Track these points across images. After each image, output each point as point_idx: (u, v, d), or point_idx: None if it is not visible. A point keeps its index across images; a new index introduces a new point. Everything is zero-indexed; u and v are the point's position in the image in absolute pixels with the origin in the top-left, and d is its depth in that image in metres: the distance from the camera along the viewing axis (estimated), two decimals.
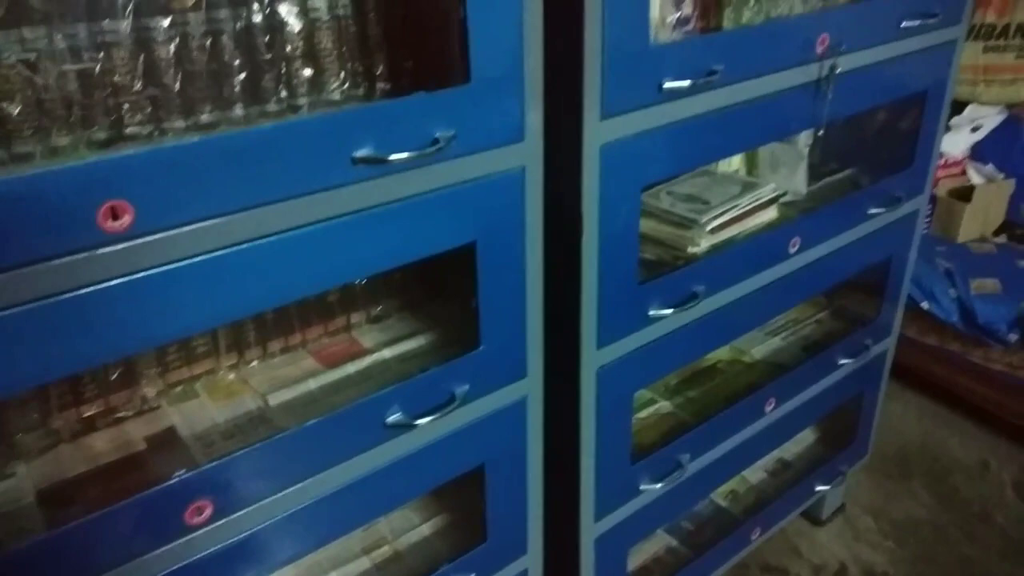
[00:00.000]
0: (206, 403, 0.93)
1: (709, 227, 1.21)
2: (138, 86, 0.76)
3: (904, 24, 1.22)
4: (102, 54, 0.74)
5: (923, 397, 2.16)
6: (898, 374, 2.05)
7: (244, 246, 0.73)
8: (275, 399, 0.92)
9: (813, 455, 1.75)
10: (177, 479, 0.77)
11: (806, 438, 1.77)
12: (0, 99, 0.70)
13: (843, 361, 1.53)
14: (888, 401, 2.03)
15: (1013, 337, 1.88)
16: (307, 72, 0.85)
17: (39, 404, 0.85)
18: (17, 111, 0.71)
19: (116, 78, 0.75)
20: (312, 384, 0.94)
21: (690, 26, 1.15)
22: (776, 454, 1.72)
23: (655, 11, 1.10)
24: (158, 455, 0.83)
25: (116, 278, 0.67)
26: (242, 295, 0.76)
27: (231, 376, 0.97)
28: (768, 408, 1.42)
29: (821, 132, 1.19)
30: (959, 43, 1.37)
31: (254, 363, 0.98)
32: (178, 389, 0.94)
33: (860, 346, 1.55)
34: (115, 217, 0.65)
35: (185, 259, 0.70)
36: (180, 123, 0.80)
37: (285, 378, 0.96)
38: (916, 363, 2.11)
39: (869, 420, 1.75)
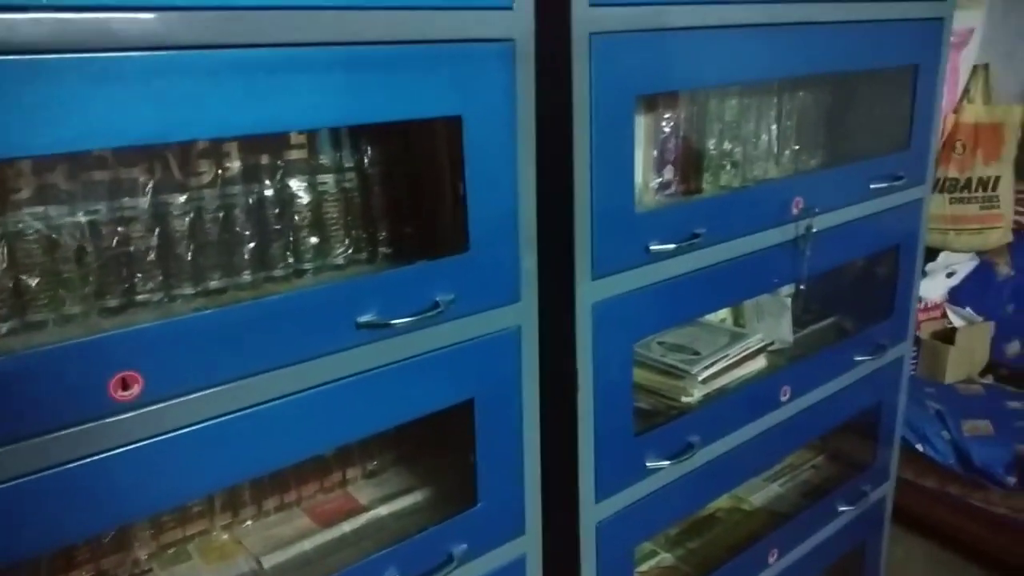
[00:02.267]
0: (199, 566, 0.91)
1: (701, 377, 1.23)
2: (152, 256, 0.81)
3: (873, 186, 1.31)
4: (120, 228, 0.78)
5: (927, 542, 2.11)
6: (899, 518, 2.01)
7: (249, 411, 0.75)
8: (269, 561, 0.91)
9: None
10: None
11: None
12: (20, 272, 0.74)
13: (843, 508, 1.51)
14: (893, 546, 1.98)
15: (1011, 480, 1.87)
16: (313, 240, 0.90)
17: (28, 570, 0.83)
18: (35, 283, 0.75)
19: (131, 249, 0.79)
20: (307, 545, 0.93)
21: (671, 190, 1.23)
22: None
23: (638, 176, 1.18)
24: None
25: (122, 446, 0.68)
26: (246, 458, 0.77)
27: (225, 536, 0.95)
28: (771, 559, 1.39)
29: (802, 287, 1.24)
30: (925, 201, 1.46)
31: (248, 522, 0.97)
32: (171, 551, 0.92)
33: (859, 492, 1.54)
34: (125, 387, 0.67)
35: (191, 425, 0.72)
36: (189, 290, 0.83)
37: (279, 538, 0.94)
38: (916, 506, 2.08)
39: (875, 570, 1.70)
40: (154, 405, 0.69)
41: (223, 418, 0.74)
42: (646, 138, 1.20)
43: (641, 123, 1.18)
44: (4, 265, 0.72)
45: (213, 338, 0.72)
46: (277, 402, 0.76)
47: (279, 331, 0.75)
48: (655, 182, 1.22)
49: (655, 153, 1.21)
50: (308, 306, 0.76)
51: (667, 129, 1.22)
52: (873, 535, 1.65)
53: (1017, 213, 2.35)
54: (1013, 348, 2.26)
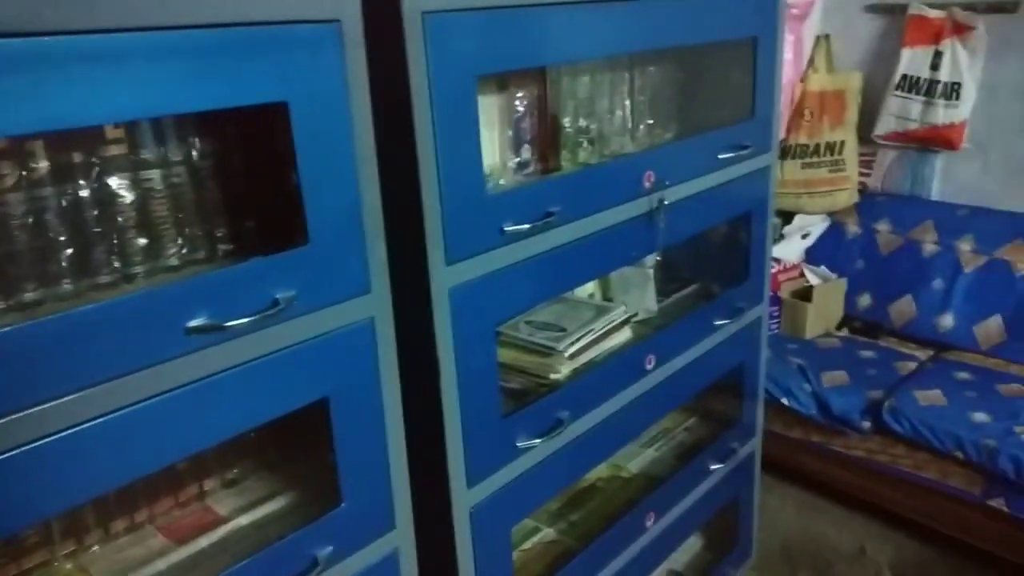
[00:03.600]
0: None
1: (568, 353, 1.25)
2: None
3: (721, 156, 1.36)
4: None
5: (797, 489, 2.24)
6: (771, 469, 2.13)
7: (74, 430, 0.69)
8: None
9: (701, 562, 1.77)
10: None
11: (693, 545, 1.79)
12: None
13: (714, 466, 1.58)
14: (766, 496, 2.09)
15: (866, 424, 2.01)
16: (141, 241, 0.84)
17: None
18: None
19: None
20: (160, 565, 0.88)
21: (530, 168, 1.23)
22: (666, 565, 1.72)
23: (496, 157, 1.18)
24: None
25: None
26: (74, 483, 0.71)
27: (68, 565, 0.88)
28: (649, 523, 1.44)
29: (659, 257, 1.28)
30: (772, 168, 1.53)
31: (95, 548, 0.90)
32: None
33: (728, 449, 1.61)
34: None
35: (6, 451, 0.66)
36: None
37: (130, 561, 0.89)
38: (786, 457, 2.20)
39: (748, 521, 1.79)
40: None
41: (46, 439, 0.68)
42: (500, 118, 1.19)
43: (494, 103, 1.17)
44: None
45: (22, 355, 0.66)
46: (106, 418, 0.71)
47: (96, 344, 0.69)
48: (513, 162, 1.22)
49: (510, 133, 1.21)
50: (127, 314, 0.70)
51: (521, 108, 1.21)
52: (745, 488, 1.74)
53: (861, 175, 2.52)
54: (864, 301, 2.43)
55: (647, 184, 1.22)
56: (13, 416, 0.66)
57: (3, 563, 0.84)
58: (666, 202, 1.24)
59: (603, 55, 1.24)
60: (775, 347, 2.23)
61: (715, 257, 1.61)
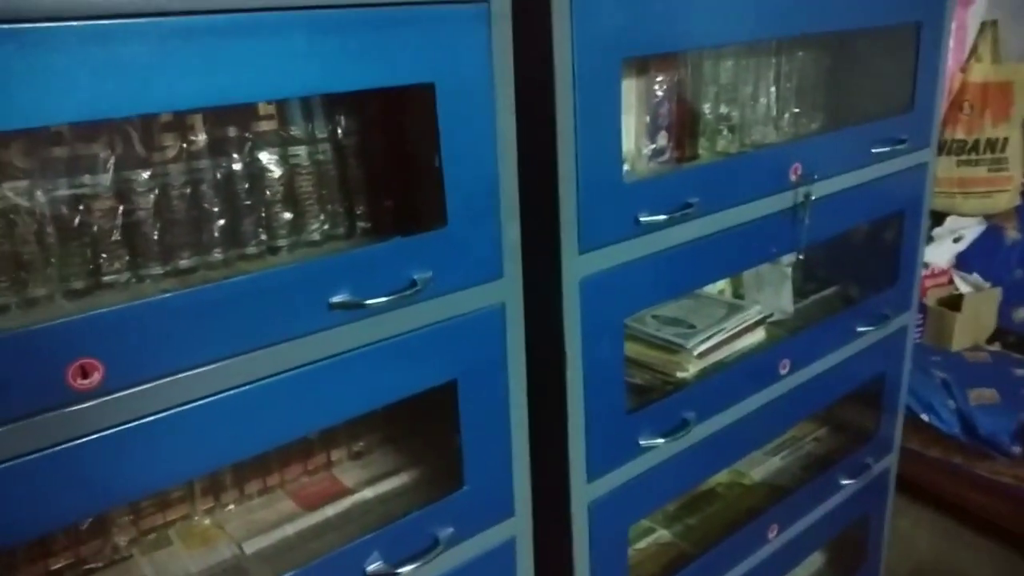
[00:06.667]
0: (179, 552, 0.89)
1: (697, 352, 1.20)
2: (116, 236, 0.77)
3: (875, 150, 1.26)
4: (82, 207, 0.75)
5: (932, 512, 2.09)
6: (904, 488, 1.99)
7: (219, 396, 0.72)
8: (251, 547, 0.89)
9: None
10: None
11: (814, 562, 1.70)
12: None
13: (845, 481, 1.48)
14: (897, 517, 1.96)
15: (1017, 449, 1.84)
16: (287, 215, 0.87)
17: (3, 558, 0.81)
18: None
19: (95, 229, 0.76)
20: (290, 529, 0.91)
21: (666, 156, 1.19)
22: None
23: (631, 143, 1.14)
24: None
25: (86, 436, 0.66)
26: (219, 445, 0.74)
27: (206, 521, 0.93)
28: (771, 535, 1.37)
29: (801, 256, 1.20)
30: (930, 165, 1.41)
31: (231, 507, 0.95)
32: (151, 537, 0.90)
33: (861, 465, 1.51)
34: (84, 375, 0.64)
35: (159, 412, 0.69)
36: (158, 269, 0.80)
37: (262, 522, 0.92)
38: (922, 476, 2.05)
39: (878, 542, 1.68)
40: (117, 393, 0.66)
41: (192, 404, 0.71)
42: (637, 103, 1.15)
43: (632, 87, 1.13)
44: None
45: (178, 322, 0.69)
46: (248, 387, 0.73)
47: (247, 314, 0.71)
48: (648, 149, 1.18)
49: (647, 119, 1.17)
50: (276, 286, 0.72)
51: (660, 93, 1.17)
52: (876, 507, 1.63)
53: None
54: (1021, 314, 2.22)
55: (793, 177, 1.15)
56: (164, 380, 0.69)
57: (151, 512, 0.90)
58: (813, 197, 1.16)
59: (753, 38, 1.17)
60: (917, 358, 2.07)
61: (859, 258, 1.51)
